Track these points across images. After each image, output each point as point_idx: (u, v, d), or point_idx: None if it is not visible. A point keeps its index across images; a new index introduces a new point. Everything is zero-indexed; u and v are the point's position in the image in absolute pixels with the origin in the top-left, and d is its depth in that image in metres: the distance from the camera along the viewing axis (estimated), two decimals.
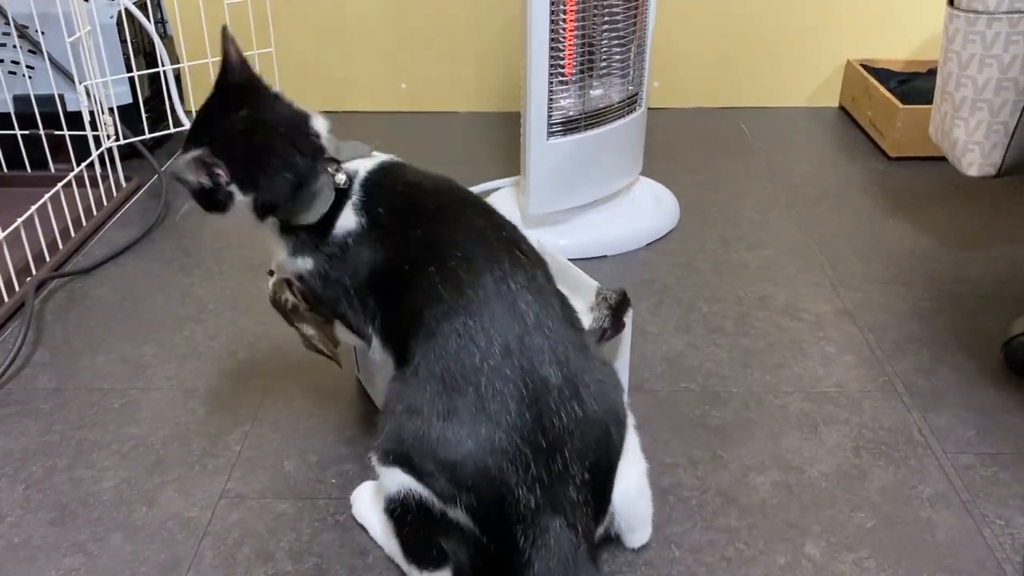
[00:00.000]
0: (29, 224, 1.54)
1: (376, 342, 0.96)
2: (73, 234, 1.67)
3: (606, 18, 1.53)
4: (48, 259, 1.58)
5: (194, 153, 0.91)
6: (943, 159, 1.45)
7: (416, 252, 0.91)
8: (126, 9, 1.89)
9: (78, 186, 1.72)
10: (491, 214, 0.97)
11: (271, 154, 0.93)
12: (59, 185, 1.65)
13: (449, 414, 0.83)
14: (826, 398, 1.25)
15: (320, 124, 0.98)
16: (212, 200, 0.95)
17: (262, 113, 0.95)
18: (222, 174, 0.92)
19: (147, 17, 1.94)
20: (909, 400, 1.25)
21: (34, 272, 1.53)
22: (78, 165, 1.73)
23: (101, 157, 1.80)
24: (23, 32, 1.84)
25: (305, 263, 0.97)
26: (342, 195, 0.95)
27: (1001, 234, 1.69)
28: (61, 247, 1.62)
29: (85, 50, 1.74)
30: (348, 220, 0.95)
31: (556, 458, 0.83)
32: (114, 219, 1.79)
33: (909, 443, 1.17)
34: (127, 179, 1.89)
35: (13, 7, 1.80)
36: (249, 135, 0.94)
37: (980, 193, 1.83)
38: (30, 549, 1.02)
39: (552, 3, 1.44)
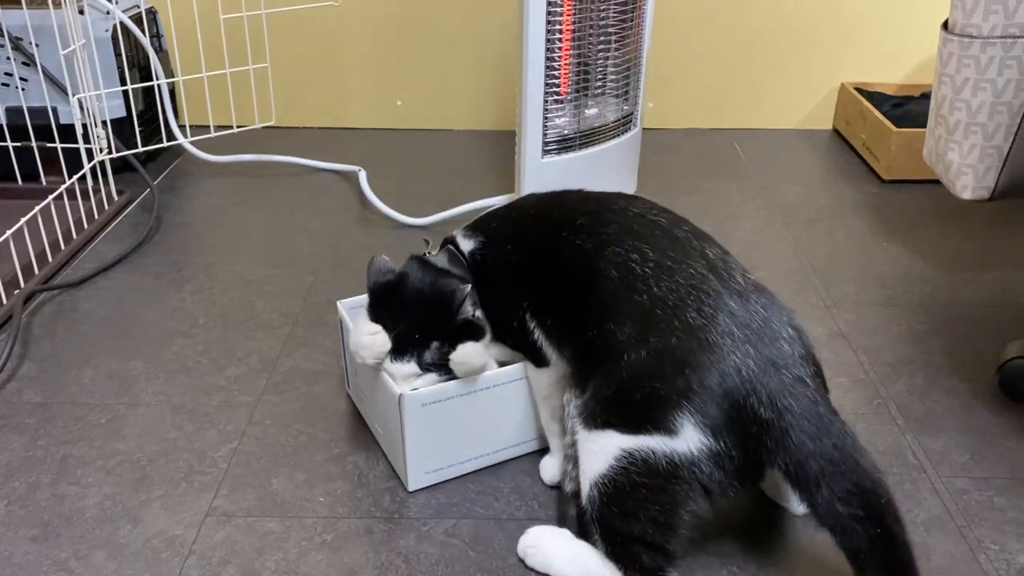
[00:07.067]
0: (18, 236, 1.53)
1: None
2: (63, 247, 1.66)
3: (602, 38, 1.54)
4: (37, 272, 1.56)
5: None
6: (937, 182, 1.46)
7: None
8: (121, 22, 1.89)
9: (69, 199, 1.71)
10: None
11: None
12: (50, 197, 1.64)
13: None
14: None
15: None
16: None
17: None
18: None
19: (142, 31, 1.93)
20: (903, 423, 1.24)
21: (22, 284, 1.52)
22: (70, 178, 1.72)
23: (93, 170, 1.79)
24: (17, 44, 1.84)
25: None
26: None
27: (995, 257, 1.69)
28: (50, 260, 1.61)
29: (79, 63, 1.74)
30: None
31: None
32: (105, 232, 1.77)
33: (904, 466, 1.16)
34: (119, 192, 1.88)
35: (7, 19, 1.79)
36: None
37: (974, 216, 1.84)
38: (11, 567, 1.00)
39: (548, 22, 1.45)
